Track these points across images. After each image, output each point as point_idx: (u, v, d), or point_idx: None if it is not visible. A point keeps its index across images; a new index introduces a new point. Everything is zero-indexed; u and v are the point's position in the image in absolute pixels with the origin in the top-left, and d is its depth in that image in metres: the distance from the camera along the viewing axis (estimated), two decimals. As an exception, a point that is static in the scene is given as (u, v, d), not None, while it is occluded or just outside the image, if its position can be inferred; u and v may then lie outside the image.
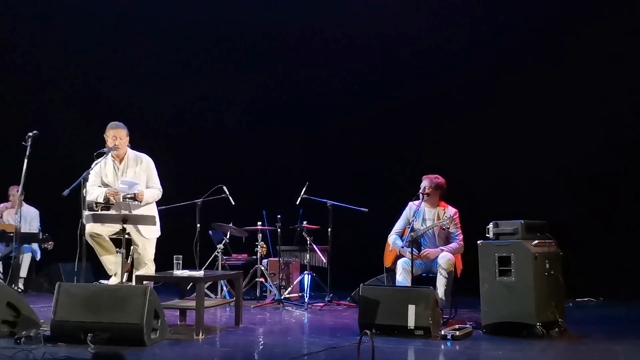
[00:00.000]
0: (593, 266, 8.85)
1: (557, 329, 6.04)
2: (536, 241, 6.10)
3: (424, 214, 7.29)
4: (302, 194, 8.43)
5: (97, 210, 6.69)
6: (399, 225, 7.40)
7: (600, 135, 9.53)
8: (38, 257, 9.79)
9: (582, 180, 9.49)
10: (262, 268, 8.76)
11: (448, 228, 7.11)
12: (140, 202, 6.85)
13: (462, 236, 7.18)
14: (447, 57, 10.28)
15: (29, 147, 6.46)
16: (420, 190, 7.20)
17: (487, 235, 6.27)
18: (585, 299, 8.76)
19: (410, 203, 7.35)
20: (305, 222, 8.62)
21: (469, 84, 10.10)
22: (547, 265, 6.04)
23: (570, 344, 5.84)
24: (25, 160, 6.44)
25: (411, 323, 5.83)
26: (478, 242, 6.22)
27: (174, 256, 6.33)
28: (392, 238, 7.37)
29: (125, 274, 6.64)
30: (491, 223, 6.30)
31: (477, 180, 9.60)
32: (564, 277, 6.24)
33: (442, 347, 5.56)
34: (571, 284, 6.65)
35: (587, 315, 7.73)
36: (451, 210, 7.21)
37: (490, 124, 9.93)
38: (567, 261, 6.41)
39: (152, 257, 7.01)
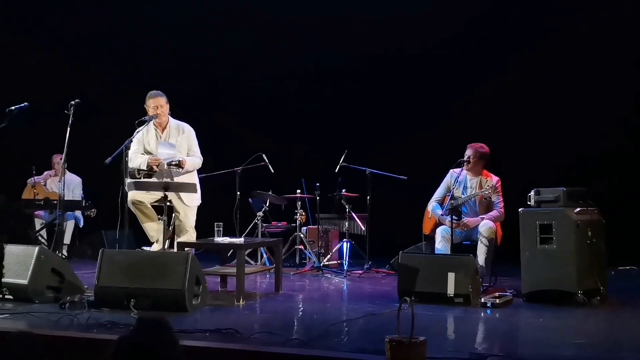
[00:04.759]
0: (635, 233, 8.73)
1: (598, 297, 5.97)
2: (578, 209, 6.03)
3: (465, 182, 7.24)
4: (341, 161, 8.43)
5: (140, 178, 6.76)
6: (439, 193, 7.36)
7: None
8: (81, 224, 9.93)
9: (625, 147, 9.35)
10: (301, 236, 8.80)
11: (490, 197, 7.05)
12: (183, 168, 6.90)
13: (503, 204, 7.13)
14: (487, 26, 10.10)
15: (71, 116, 6.52)
16: (464, 159, 7.14)
17: (528, 202, 6.22)
18: (628, 267, 8.65)
19: (451, 171, 7.30)
20: (344, 190, 8.62)
21: (509, 51, 9.92)
22: (590, 233, 5.97)
23: (611, 312, 5.80)
24: (68, 129, 6.50)
25: (451, 290, 5.82)
26: (519, 210, 6.16)
27: (215, 223, 6.40)
28: (432, 206, 7.35)
29: (167, 241, 6.72)
30: (532, 191, 6.24)
31: (518, 147, 9.48)
32: (606, 244, 6.17)
33: (482, 314, 5.56)
34: (613, 252, 6.58)
35: (629, 284, 7.66)
36: (494, 179, 7.14)
37: (531, 91, 9.79)
38: (609, 228, 6.33)
39: (193, 224, 7.07)
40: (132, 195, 6.71)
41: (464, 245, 7.07)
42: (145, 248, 7.14)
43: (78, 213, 9.81)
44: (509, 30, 9.95)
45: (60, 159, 7.23)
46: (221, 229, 6.41)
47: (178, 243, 6.55)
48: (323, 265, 8.41)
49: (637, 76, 9.37)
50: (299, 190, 8.93)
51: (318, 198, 8.72)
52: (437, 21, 10.28)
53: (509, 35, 9.92)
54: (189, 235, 6.99)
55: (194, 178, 7.15)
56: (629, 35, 9.41)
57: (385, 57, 10.65)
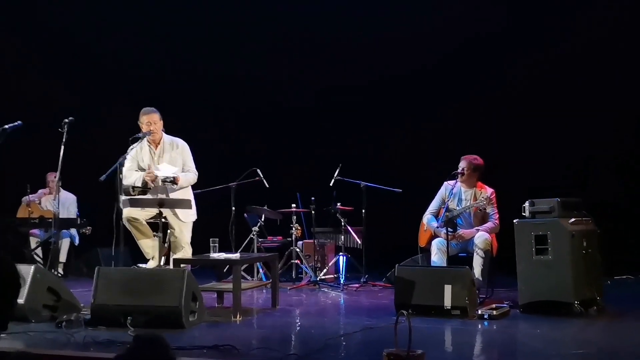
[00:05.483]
0: (631, 243, 8.75)
1: (595, 307, 5.99)
2: (573, 219, 6.04)
3: (460, 194, 7.23)
4: (335, 175, 8.44)
5: (134, 195, 6.75)
6: (433, 205, 7.36)
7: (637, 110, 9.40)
8: (77, 242, 9.89)
9: (619, 156, 9.37)
10: (297, 250, 8.79)
11: (485, 209, 7.06)
12: (177, 185, 6.88)
13: (498, 215, 7.12)
14: (481, 37, 10.11)
15: (65, 134, 6.53)
16: (459, 171, 7.14)
17: (523, 214, 6.23)
18: (624, 277, 8.66)
19: (445, 183, 7.30)
20: (339, 204, 8.62)
21: (504, 61, 9.96)
22: (585, 243, 5.99)
23: (609, 322, 5.81)
24: (62, 147, 6.51)
25: (447, 303, 5.82)
26: (514, 221, 6.18)
27: (210, 239, 6.39)
28: (427, 218, 7.34)
29: (163, 257, 6.70)
30: (527, 202, 6.26)
31: (512, 158, 9.50)
32: (602, 254, 6.19)
33: (479, 326, 5.55)
34: (609, 261, 6.59)
35: (625, 293, 7.66)
36: (488, 191, 7.14)
37: (525, 101, 9.82)
38: (605, 238, 6.34)
39: (189, 240, 7.05)
40: (127, 212, 6.69)
41: (459, 257, 7.06)
42: (140, 265, 7.12)
43: (73, 231, 9.77)
44: (509, 31, 9.96)
45: (55, 177, 7.22)
46: (217, 244, 6.40)
47: (174, 259, 6.53)
48: (319, 279, 8.40)
49: (637, 77, 9.39)
50: (294, 205, 8.91)
51: (313, 212, 8.69)
52: (436, 24, 10.30)
53: (499, 47, 9.95)
54: (185, 251, 6.97)
55: (188, 194, 7.13)
56: (630, 35, 9.44)
57: (381, 65, 10.65)
